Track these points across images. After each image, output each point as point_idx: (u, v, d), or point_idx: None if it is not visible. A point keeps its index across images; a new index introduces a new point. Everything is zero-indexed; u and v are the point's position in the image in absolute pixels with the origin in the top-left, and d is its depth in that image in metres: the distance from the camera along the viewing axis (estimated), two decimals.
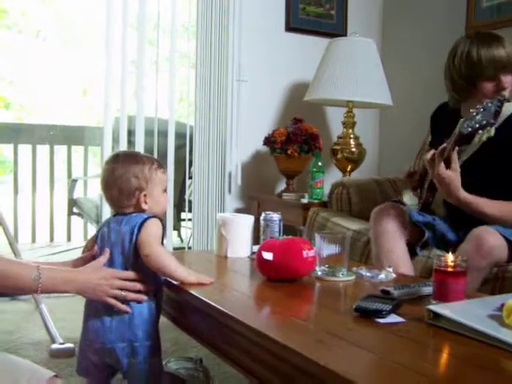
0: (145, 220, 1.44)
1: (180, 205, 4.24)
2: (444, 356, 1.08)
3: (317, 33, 3.52)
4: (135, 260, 1.43)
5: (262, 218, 1.99)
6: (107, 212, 3.19)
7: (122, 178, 1.46)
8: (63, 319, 2.56)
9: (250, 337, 1.20)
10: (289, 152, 3.10)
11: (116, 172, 1.47)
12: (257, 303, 1.52)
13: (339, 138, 3.30)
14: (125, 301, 1.40)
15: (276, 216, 1.97)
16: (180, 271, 1.48)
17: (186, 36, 3.47)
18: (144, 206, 1.48)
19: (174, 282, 1.50)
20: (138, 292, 1.42)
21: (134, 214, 1.47)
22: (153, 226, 1.44)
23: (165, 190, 1.55)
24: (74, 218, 4.93)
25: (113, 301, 1.39)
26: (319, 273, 1.62)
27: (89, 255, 1.50)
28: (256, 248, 1.71)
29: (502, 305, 1.15)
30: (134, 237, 1.42)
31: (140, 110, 3.26)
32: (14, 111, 6.50)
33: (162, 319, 1.56)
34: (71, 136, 5.22)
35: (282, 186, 3.39)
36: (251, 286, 1.67)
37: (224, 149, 3.33)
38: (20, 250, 2.77)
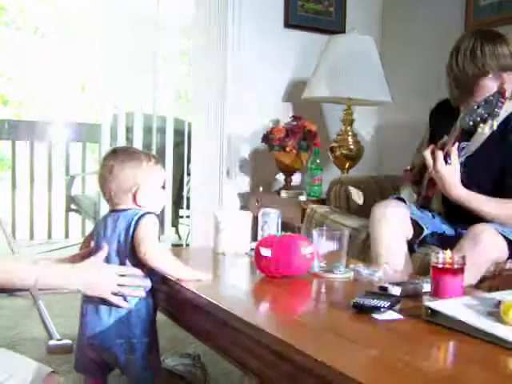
0: (141, 216, 1.43)
1: (178, 202, 4.23)
2: (441, 353, 1.08)
3: (316, 30, 3.51)
4: (131, 256, 1.43)
5: (260, 214, 1.99)
6: (105, 208, 3.18)
7: (119, 174, 1.46)
8: (61, 315, 2.56)
9: (248, 333, 1.20)
10: (287, 149, 3.10)
11: (113, 168, 1.47)
12: (255, 300, 1.52)
13: (338, 135, 3.29)
14: (123, 297, 1.40)
15: (274, 213, 1.97)
16: (177, 268, 1.48)
17: (184, 33, 3.47)
18: (140, 203, 1.48)
19: (172, 279, 1.50)
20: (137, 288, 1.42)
21: (129, 211, 1.46)
22: (149, 223, 1.44)
23: (162, 187, 1.55)
24: (71, 214, 4.94)
25: (115, 298, 1.39)
26: (317, 270, 1.62)
27: (86, 251, 1.51)
28: (254, 245, 1.71)
29: (500, 302, 1.15)
30: (130, 233, 1.42)
31: (138, 106, 3.26)
32: (12, 108, 6.50)
33: (160, 316, 1.56)
34: (69, 133, 5.22)
35: (280, 183, 3.39)
36: (249, 282, 1.67)
37: (222, 145, 3.33)
38: (18, 246, 2.77)
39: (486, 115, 1.65)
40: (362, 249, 2.25)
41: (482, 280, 1.80)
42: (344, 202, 2.72)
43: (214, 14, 3.25)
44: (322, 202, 2.89)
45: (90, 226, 4.71)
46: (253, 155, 3.41)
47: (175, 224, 4.47)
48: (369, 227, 2.10)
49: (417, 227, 2.02)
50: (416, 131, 2.88)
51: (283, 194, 3.14)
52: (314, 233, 1.63)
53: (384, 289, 1.38)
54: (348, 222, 2.43)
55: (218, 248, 1.94)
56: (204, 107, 3.28)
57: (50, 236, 5.06)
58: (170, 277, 1.50)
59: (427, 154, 1.85)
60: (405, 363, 0.97)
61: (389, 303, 1.24)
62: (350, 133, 3.25)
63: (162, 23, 3.37)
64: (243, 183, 3.39)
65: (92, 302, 1.43)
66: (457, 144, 1.76)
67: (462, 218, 1.95)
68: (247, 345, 1.22)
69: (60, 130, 5.19)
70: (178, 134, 3.40)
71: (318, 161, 3.02)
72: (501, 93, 1.66)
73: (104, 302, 1.40)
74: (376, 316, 1.21)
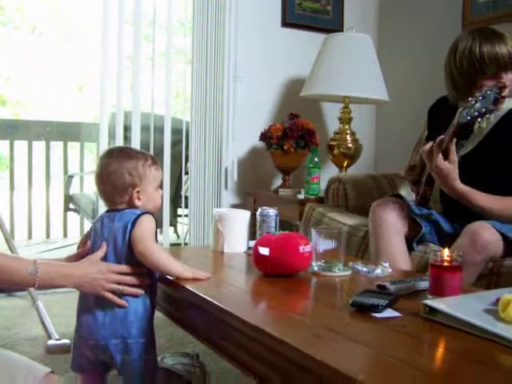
0: (138, 216, 1.43)
1: (176, 201, 4.23)
2: (440, 350, 1.08)
3: (313, 28, 3.51)
4: (129, 256, 1.42)
5: (258, 213, 1.99)
6: (103, 208, 3.18)
7: (115, 174, 1.46)
8: (59, 315, 2.56)
9: (246, 332, 1.20)
10: (285, 147, 3.10)
11: (110, 167, 1.46)
12: (253, 298, 1.52)
13: (335, 133, 3.30)
14: (121, 295, 1.40)
15: (272, 211, 1.97)
16: (175, 267, 1.48)
17: (182, 32, 3.47)
18: (137, 203, 1.47)
19: (170, 278, 1.50)
20: (135, 286, 1.42)
21: (126, 211, 1.46)
22: (146, 222, 1.43)
23: (159, 187, 1.55)
24: (70, 214, 4.93)
25: (110, 295, 1.39)
26: (315, 268, 1.62)
27: (83, 251, 1.50)
28: (252, 243, 1.71)
29: (498, 299, 1.15)
30: (128, 233, 1.41)
31: (136, 105, 3.25)
32: (10, 107, 6.49)
33: (158, 315, 1.56)
34: (67, 132, 5.21)
35: (278, 181, 3.39)
36: (248, 281, 1.67)
37: (220, 144, 3.33)
38: (16, 246, 2.76)
39: (483, 109, 1.64)
40: (361, 247, 2.26)
41: (480, 277, 1.81)
42: (342, 200, 2.72)
43: (212, 13, 3.25)
44: (320, 200, 2.89)
45: (88, 226, 4.70)
46: (251, 154, 3.41)
47: (174, 223, 4.47)
48: (367, 225, 2.10)
49: (415, 225, 2.02)
50: (414, 129, 2.89)
51: (281, 192, 3.14)
52: (313, 231, 1.63)
53: (382, 287, 1.38)
54: (346, 220, 2.44)
55: (216, 247, 1.94)
56: (202, 106, 3.28)
57: (48, 235, 5.05)
58: (168, 276, 1.50)
59: (426, 150, 1.85)
60: (403, 361, 0.97)
61: (387, 301, 1.24)
62: (347, 131, 3.25)
63: (160, 22, 3.36)
64: (241, 182, 3.39)
65: (87, 300, 1.43)
66: (455, 140, 1.76)
67: (461, 216, 1.95)
68: (245, 343, 1.22)
69: (58, 130, 5.19)
70: (176, 132, 3.40)
71: (315, 159, 3.02)
72: (499, 87, 1.65)
73: (100, 300, 1.40)
74: (374, 314, 1.21)
